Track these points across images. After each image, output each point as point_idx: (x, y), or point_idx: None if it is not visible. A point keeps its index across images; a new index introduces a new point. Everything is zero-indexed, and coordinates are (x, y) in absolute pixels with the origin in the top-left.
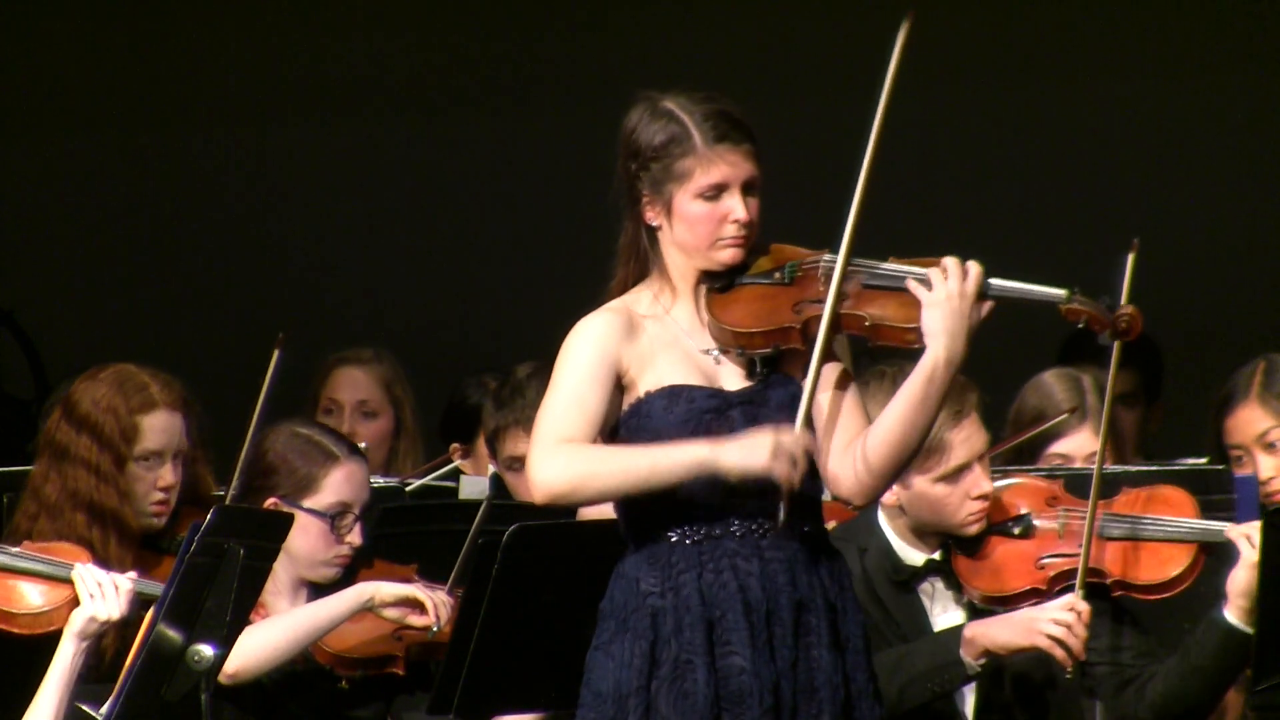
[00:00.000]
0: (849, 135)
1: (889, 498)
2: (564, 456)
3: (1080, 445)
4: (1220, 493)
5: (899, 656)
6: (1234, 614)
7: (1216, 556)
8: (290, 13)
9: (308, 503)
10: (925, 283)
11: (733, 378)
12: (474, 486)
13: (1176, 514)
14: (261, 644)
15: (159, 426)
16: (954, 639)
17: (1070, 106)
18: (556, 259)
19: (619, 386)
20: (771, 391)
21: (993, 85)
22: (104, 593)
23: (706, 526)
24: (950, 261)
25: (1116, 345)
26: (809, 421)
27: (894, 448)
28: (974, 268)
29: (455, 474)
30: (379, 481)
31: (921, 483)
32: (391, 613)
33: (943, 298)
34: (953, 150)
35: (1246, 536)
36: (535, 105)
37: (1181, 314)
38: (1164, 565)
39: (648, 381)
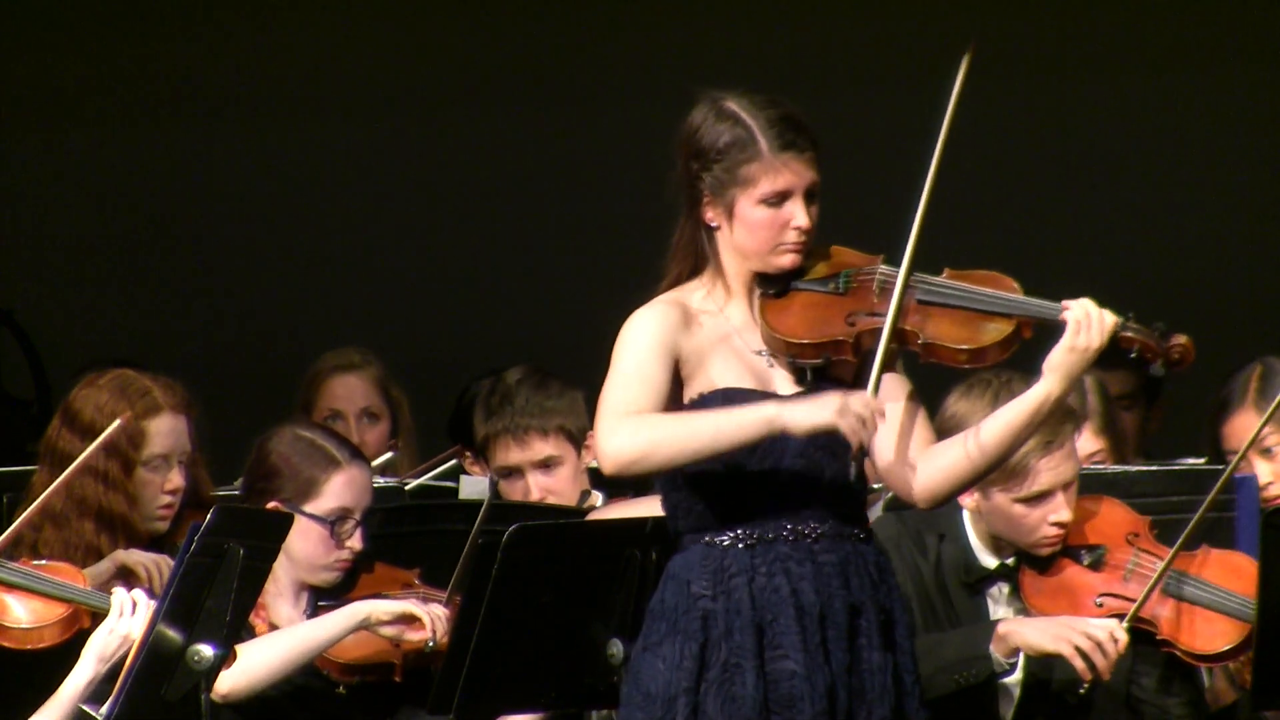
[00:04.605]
0: (874, 131)
1: (969, 501)
2: (630, 425)
3: (1080, 446)
4: (1220, 493)
5: (931, 644)
6: None
7: None
8: (291, 11)
9: (308, 507)
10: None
11: (784, 381)
12: (474, 486)
13: (1243, 588)
14: (256, 664)
15: (165, 430)
16: (986, 634)
17: (1071, 106)
18: (558, 259)
19: (677, 376)
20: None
21: (992, 84)
22: (136, 612)
23: (759, 530)
24: (1094, 311)
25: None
26: (878, 389)
27: (981, 466)
28: (1110, 321)
29: (455, 473)
30: (379, 482)
31: (1002, 499)
32: (388, 630)
33: (1082, 346)
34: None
35: None
36: (538, 105)
37: (1181, 313)
38: (1215, 638)
39: (702, 381)
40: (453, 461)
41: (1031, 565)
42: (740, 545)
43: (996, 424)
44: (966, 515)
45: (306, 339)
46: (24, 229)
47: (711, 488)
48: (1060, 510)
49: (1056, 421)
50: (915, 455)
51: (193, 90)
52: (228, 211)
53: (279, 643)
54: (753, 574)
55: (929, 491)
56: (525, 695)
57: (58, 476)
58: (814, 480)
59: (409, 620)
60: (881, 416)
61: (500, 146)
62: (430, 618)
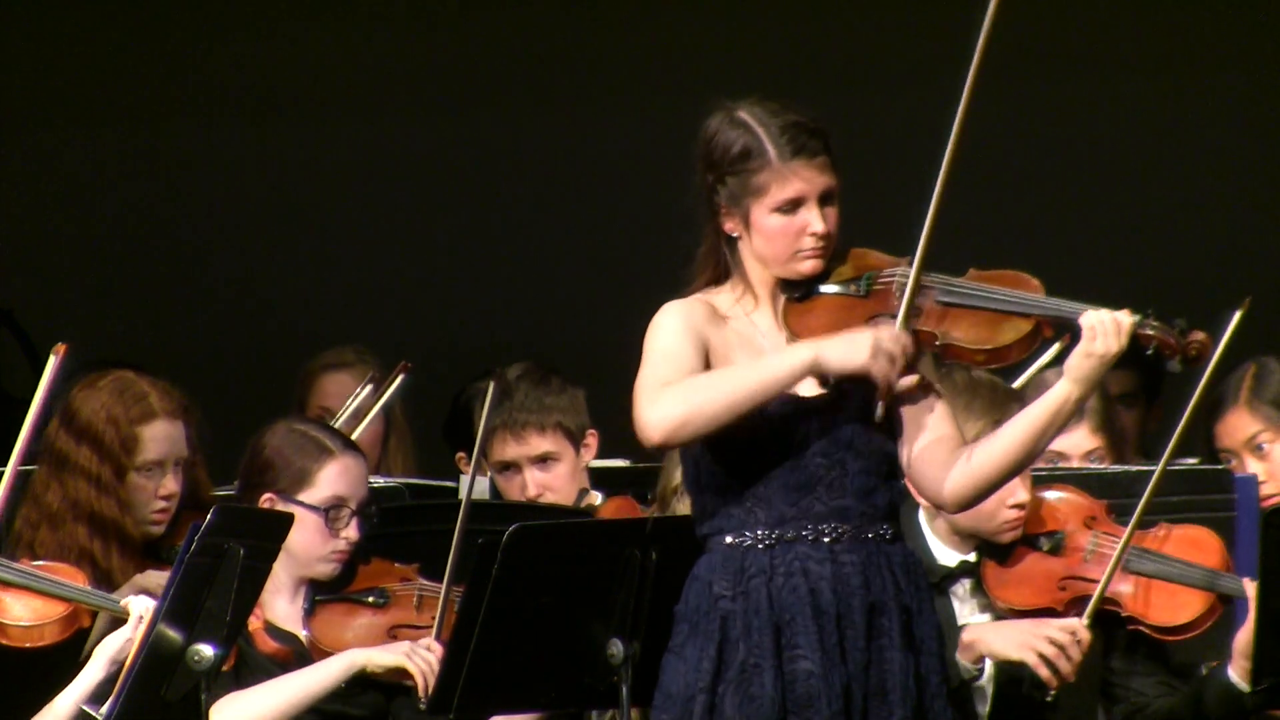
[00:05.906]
0: (893, 131)
1: (925, 499)
2: (668, 394)
3: (1076, 443)
4: (1220, 493)
5: None
6: (1236, 672)
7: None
8: (292, 10)
9: (302, 497)
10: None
11: (809, 384)
12: (474, 486)
13: (1204, 560)
14: (251, 717)
15: (160, 436)
16: (952, 642)
17: (1071, 104)
18: (558, 260)
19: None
20: (845, 399)
21: (995, 83)
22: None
23: (780, 530)
24: (1111, 319)
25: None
26: (908, 323)
27: (1005, 468)
28: (1127, 323)
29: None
30: (379, 482)
31: None
32: (382, 673)
33: (1100, 351)
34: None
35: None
36: (539, 105)
37: (1180, 313)
38: (1179, 610)
39: None
40: (401, 377)
41: (992, 557)
42: (760, 546)
43: (1019, 426)
44: (923, 515)
45: (306, 338)
46: (24, 229)
47: (735, 489)
48: (1016, 491)
49: (1001, 402)
50: (943, 459)
51: (193, 90)
52: (228, 211)
53: (273, 697)
54: (771, 574)
55: (956, 495)
56: (525, 695)
57: (56, 478)
58: (838, 480)
59: (402, 674)
60: (910, 351)
61: (500, 147)
62: (421, 673)
